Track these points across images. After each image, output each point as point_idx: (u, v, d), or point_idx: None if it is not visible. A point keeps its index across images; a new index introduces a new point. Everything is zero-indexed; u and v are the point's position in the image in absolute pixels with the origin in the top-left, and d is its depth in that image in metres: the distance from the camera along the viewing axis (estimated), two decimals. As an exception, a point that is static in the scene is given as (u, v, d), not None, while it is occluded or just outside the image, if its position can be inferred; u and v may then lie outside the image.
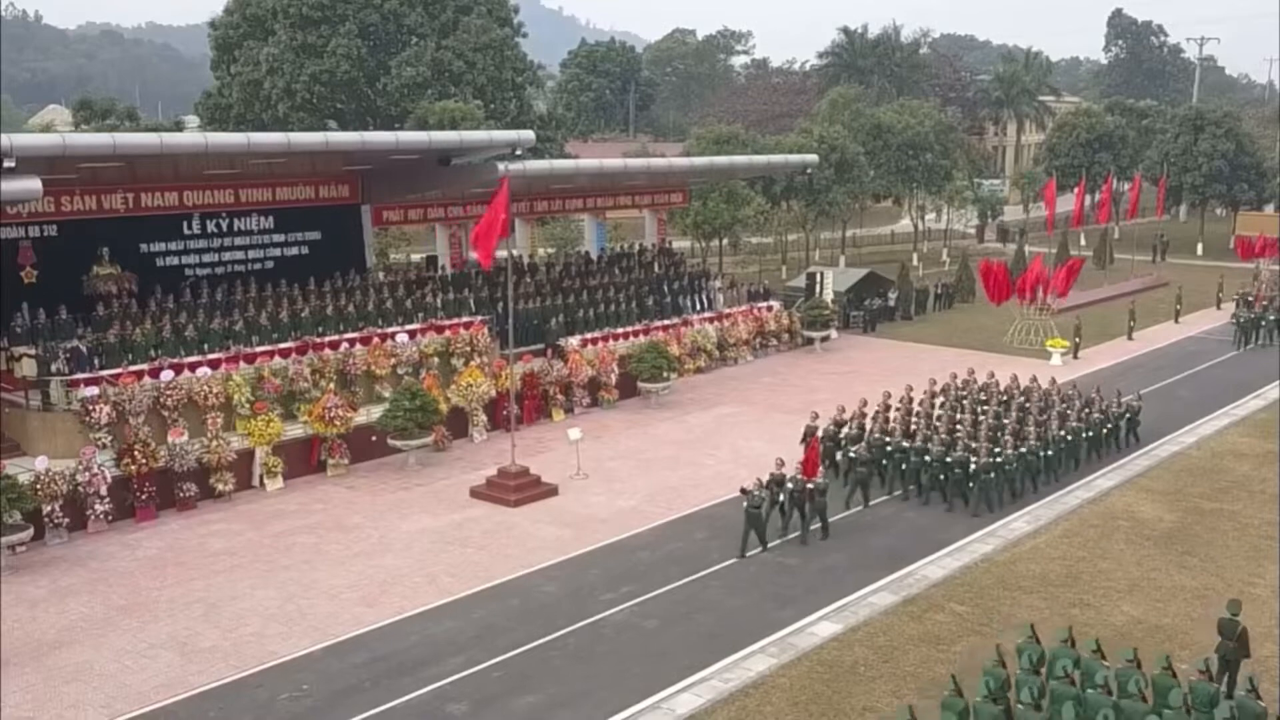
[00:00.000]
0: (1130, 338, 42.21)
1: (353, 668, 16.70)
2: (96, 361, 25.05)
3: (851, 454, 24.47)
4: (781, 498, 21.69)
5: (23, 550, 20.93)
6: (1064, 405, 27.25)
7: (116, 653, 17.27)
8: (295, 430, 26.07)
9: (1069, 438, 25.78)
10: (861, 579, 19.83)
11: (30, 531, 21.04)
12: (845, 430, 25.86)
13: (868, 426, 25.88)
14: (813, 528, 21.60)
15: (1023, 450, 24.13)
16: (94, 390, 24.12)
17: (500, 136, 31.91)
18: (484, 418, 29.02)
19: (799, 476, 21.67)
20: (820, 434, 25.26)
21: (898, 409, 26.90)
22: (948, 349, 40.44)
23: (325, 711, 15.51)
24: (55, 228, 26.99)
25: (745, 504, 20.85)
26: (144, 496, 23.10)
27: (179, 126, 69.75)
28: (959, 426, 25.74)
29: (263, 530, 22.55)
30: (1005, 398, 28.14)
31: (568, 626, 17.91)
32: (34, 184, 21.50)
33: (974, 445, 23.68)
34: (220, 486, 24.17)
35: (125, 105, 74.29)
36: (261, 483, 25.03)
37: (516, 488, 24.04)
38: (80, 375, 24.48)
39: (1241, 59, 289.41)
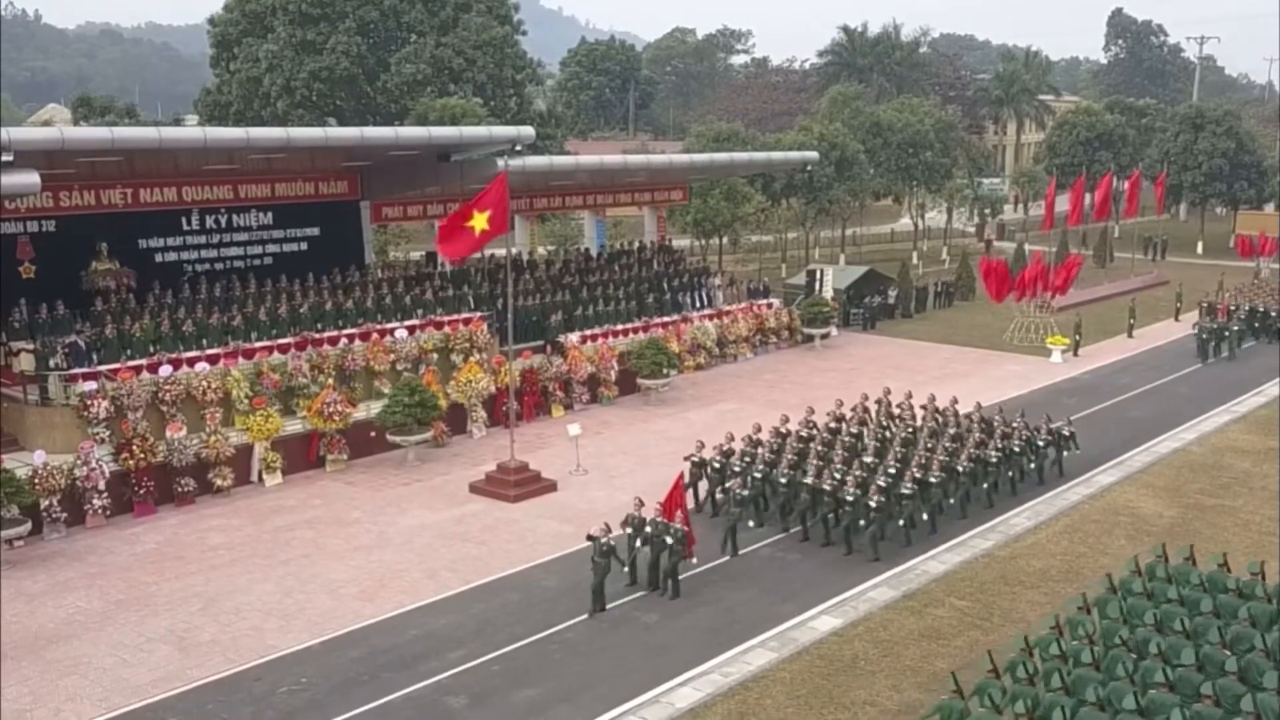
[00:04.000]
0: (1130, 335, 42.17)
1: (351, 661, 16.65)
2: (95, 356, 24.99)
3: (723, 490, 21.58)
4: (640, 544, 18.87)
5: (21, 545, 20.88)
6: (982, 434, 23.95)
7: (114, 646, 17.22)
8: (294, 425, 26.02)
9: (970, 466, 22.54)
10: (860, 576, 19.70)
11: (28, 526, 21.00)
12: (735, 460, 22.54)
13: (760, 455, 22.53)
14: (669, 579, 18.73)
15: (908, 486, 20.95)
16: (92, 385, 24.08)
17: (500, 132, 31.86)
18: (483, 414, 28.98)
19: (659, 519, 18.74)
20: (699, 463, 22.72)
21: (796, 432, 24.03)
22: (947, 346, 40.46)
23: (324, 705, 15.46)
24: (54, 223, 26.95)
25: (592, 553, 18.14)
26: (142, 491, 23.05)
27: (178, 124, 69.64)
28: (857, 456, 22.51)
29: (261, 525, 22.50)
30: (911, 426, 25.14)
31: (567, 621, 17.85)
32: (32, 178, 21.43)
33: (858, 477, 20.85)
34: (219, 481, 24.12)
35: (124, 104, 74.19)
36: (260, 478, 24.99)
37: (516, 483, 24.00)
38: (79, 370, 24.43)
39: (1241, 59, 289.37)
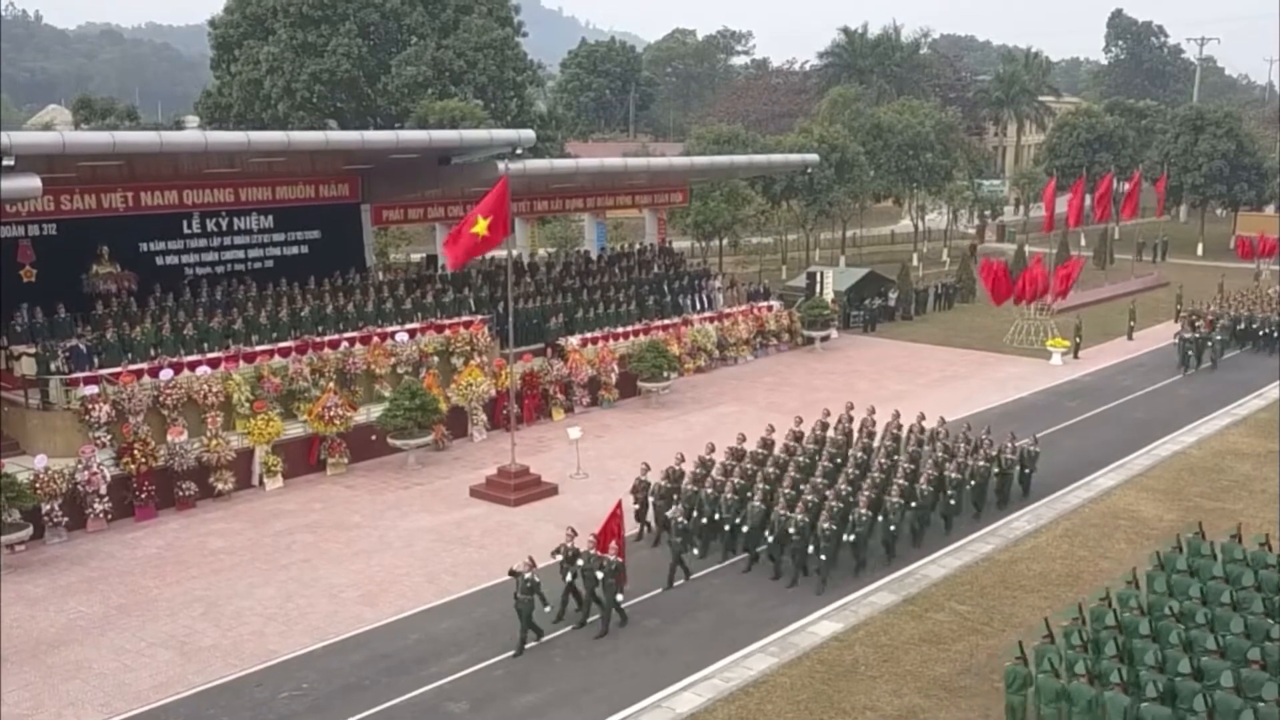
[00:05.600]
0: (1130, 337, 42.17)
1: (352, 666, 16.67)
2: (96, 360, 25.00)
3: (665, 519, 20.41)
4: (571, 577, 17.84)
5: (22, 549, 20.91)
6: (944, 454, 22.86)
7: (115, 651, 17.24)
8: (295, 429, 26.03)
9: (929, 490, 21.24)
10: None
11: (29, 530, 21.02)
12: (683, 484, 21.14)
13: (714, 477, 21.01)
14: (604, 612, 17.72)
15: (863, 512, 19.70)
16: (93, 389, 24.09)
17: (500, 135, 31.86)
18: (484, 417, 28.99)
19: (592, 552, 17.68)
20: (644, 487, 21.32)
21: (752, 453, 22.75)
22: (947, 349, 40.48)
23: (325, 710, 15.48)
24: (55, 226, 26.95)
25: (515, 590, 17.01)
26: (143, 495, 23.06)
27: (179, 126, 69.72)
28: (808, 480, 21.12)
29: (262, 529, 22.51)
30: (869, 446, 23.98)
31: (568, 626, 17.85)
32: (33, 182, 21.48)
33: (809, 502, 19.72)
34: (220, 485, 24.13)
35: (125, 105, 74.33)
36: (261, 482, 25.00)
37: (516, 487, 24.01)
38: (79, 374, 24.43)
39: (1241, 59, 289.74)
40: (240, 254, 30.81)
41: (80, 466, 22.13)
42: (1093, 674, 14.15)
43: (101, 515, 22.31)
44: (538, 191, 38.75)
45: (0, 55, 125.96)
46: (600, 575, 17.37)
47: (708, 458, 22.05)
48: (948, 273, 56.03)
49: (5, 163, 20.61)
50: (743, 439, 23.19)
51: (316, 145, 29.66)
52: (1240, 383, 34.96)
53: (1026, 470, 23.99)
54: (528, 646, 17.03)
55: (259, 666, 16.69)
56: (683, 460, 21.85)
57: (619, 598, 17.66)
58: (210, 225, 30.07)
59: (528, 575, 16.92)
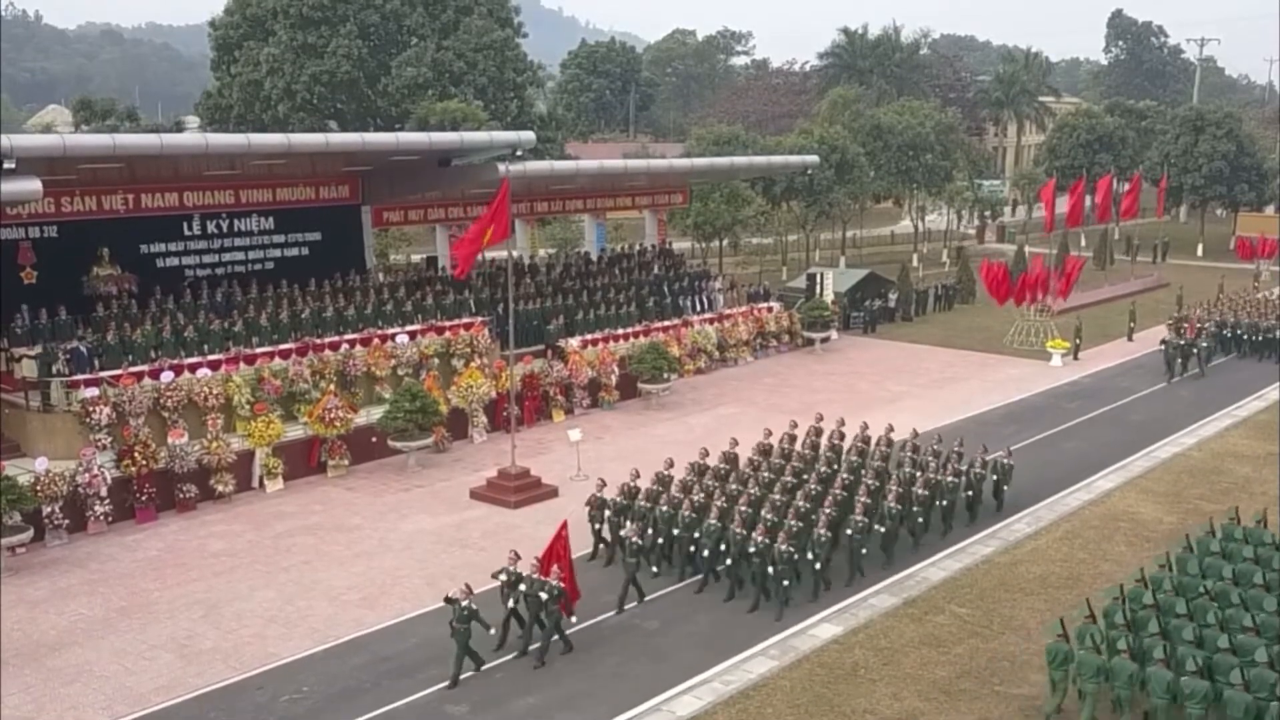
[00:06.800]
0: (1130, 339, 42.19)
1: (353, 669, 16.69)
2: (96, 362, 25.02)
3: (619, 538, 19.70)
4: (513, 603, 17.10)
5: (23, 551, 20.93)
6: (912, 469, 22.09)
7: (116, 654, 17.26)
8: (295, 431, 26.05)
9: (895, 508, 20.33)
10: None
11: (30, 533, 21.05)
12: (639, 501, 20.28)
13: (672, 494, 20.26)
14: (544, 641, 16.90)
15: (822, 533, 18.80)
16: (94, 391, 24.11)
17: (501, 138, 31.86)
18: (484, 419, 29.01)
19: (534, 575, 16.89)
20: (599, 504, 20.44)
21: (714, 469, 21.90)
22: (947, 350, 40.51)
23: (325, 713, 15.50)
24: (55, 228, 26.98)
25: (451, 619, 16.17)
26: (144, 498, 23.08)
27: (179, 126, 69.76)
28: (767, 497, 20.40)
29: (263, 531, 22.53)
30: (830, 460, 22.97)
31: (568, 628, 17.84)
32: (34, 185, 21.49)
33: (768, 521, 18.81)
34: (220, 487, 24.14)
35: (125, 105, 74.27)
36: (261, 484, 25.01)
37: (517, 489, 24.03)
38: (80, 376, 24.45)
39: (1241, 60, 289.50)
40: (241, 256, 30.84)
41: (81, 469, 22.14)
42: (1134, 651, 14.85)
43: (102, 517, 22.32)
44: (538, 193, 38.77)
45: (0, 55, 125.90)
46: (544, 598, 16.56)
47: (666, 473, 21.35)
48: (948, 274, 56.05)
49: (6, 166, 20.65)
50: (705, 454, 22.47)
51: (317, 147, 29.67)
52: (1240, 384, 34.97)
53: (1001, 483, 22.97)
54: (463, 677, 16.13)
55: (259, 669, 16.71)
56: (638, 476, 20.97)
57: (561, 624, 16.87)
58: (211, 227, 30.10)
59: (464, 603, 16.05)
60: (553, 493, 24.34)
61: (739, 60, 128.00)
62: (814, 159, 47.62)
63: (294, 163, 30.43)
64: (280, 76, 63.45)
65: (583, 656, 17.06)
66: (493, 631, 16.73)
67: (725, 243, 55.53)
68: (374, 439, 26.60)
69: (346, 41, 63.00)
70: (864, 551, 19.64)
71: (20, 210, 24.85)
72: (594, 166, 38.36)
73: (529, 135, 32.08)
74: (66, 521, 21.82)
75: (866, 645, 17.43)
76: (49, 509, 21.50)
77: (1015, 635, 17.76)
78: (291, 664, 16.90)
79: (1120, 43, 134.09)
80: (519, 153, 30.62)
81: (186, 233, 29.63)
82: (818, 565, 18.69)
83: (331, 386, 27.15)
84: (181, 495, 23.59)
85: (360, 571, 20.44)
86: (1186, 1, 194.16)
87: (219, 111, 66.78)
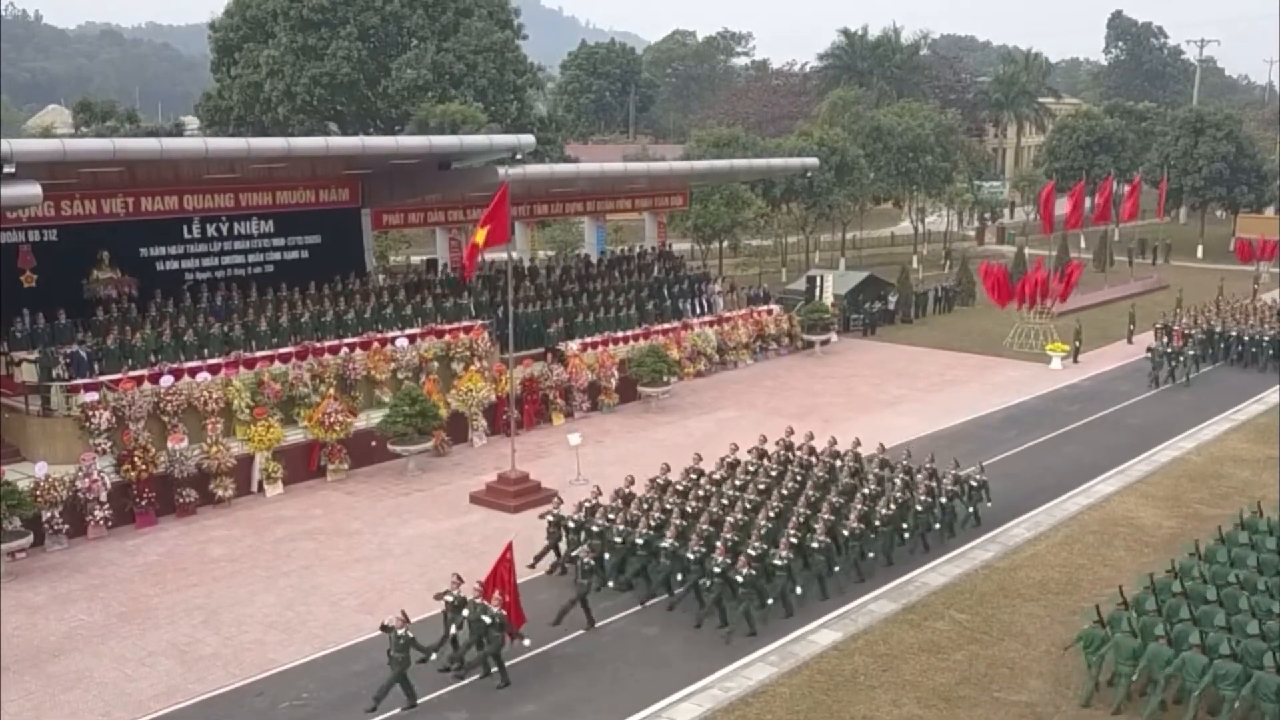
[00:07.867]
0: (1130, 341, 42.17)
1: (353, 675, 16.66)
2: (96, 366, 25.02)
3: (570, 558, 19.23)
4: (455, 628, 16.45)
5: (22, 556, 20.90)
6: (876, 485, 21.59)
7: (116, 660, 17.26)
8: (295, 435, 26.05)
9: (859, 528, 19.65)
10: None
11: (30, 538, 21.02)
12: (596, 519, 19.70)
13: (630, 512, 19.84)
14: (490, 667, 16.40)
15: (782, 555, 18.25)
16: (94, 395, 24.11)
17: (500, 141, 31.86)
18: (484, 422, 29.01)
19: (478, 599, 16.29)
20: (556, 521, 20.14)
21: (675, 485, 21.43)
22: (947, 352, 40.51)
23: (325, 720, 15.51)
24: (55, 232, 26.97)
25: (388, 648, 15.50)
26: (144, 502, 23.07)
27: (179, 127, 69.84)
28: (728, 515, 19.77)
29: (263, 536, 22.53)
30: (800, 476, 22.20)
31: (568, 634, 17.87)
32: (34, 189, 21.51)
33: (728, 541, 18.35)
34: (220, 492, 24.14)
35: (125, 107, 74.25)
36: (261, 488, 25.02)
37: (516, 493, 24.03)
38: (80, 380, 24.45)
39: (1241, 60, 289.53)
40: (240, 259, 30.85)
41: (81, 473, 22.13)
42: (1169, 636, 15.49)
43: (102, 522, 22.32)
44: (537, 195, 38.76)
45: (0, 55, 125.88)
46: (487, 622, 15.94)
47: (627, 490, 20.85)
48: (947, 276, 56.05)
49: (6, 170, 20.65)
50: (666, 469, 22.08)
51: (316, 151, 29.71)
52: (1239, 388, 34.97)
53: (972, 503, 22.40)
54: (404, 711, 15.60)
55: (260, 675, 16.70)
56: (599, 494, 20.48)
57: (501, 654, 16.25)
58: (210, 230, 30.10)
59: (400, 631, 15.38)
60: (552, 496, 24.28)
61: (739, 61, 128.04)
62: (813, 161, 47.64)
63: (294, 166, 30.44)
64: (280, 78, 63.43)
65: (583, 663, 17.06)
66: (434, 657, 16.28)
67: (725, 244, 55.55)
68: (374, 443, 26.59)
69: (346, 44, 62.99)
70: (835, 570, 19.30)
71: (20, 214, 24.89)
72: (594, 169, 38.40)
73: (529, 139, 32.09)
74: (66, 526, 21.81)
75: (866, 651, 17.43)
76: (49, 514, 21.49)
77: (1014, 641, 17.77)
78: (291, 670, 16.89)
79: (1120, 43, 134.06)
80: (519, 156, 30.62)
81: (186, 236, 29.64)
82: (797, 589, 18.40)
83: (331, 390, 27.15)
84: (181, 500, 23.59)
85: (360, 576, 20.45)
86: (1186, 2, 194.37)
87: (219, 113, 66.77)
